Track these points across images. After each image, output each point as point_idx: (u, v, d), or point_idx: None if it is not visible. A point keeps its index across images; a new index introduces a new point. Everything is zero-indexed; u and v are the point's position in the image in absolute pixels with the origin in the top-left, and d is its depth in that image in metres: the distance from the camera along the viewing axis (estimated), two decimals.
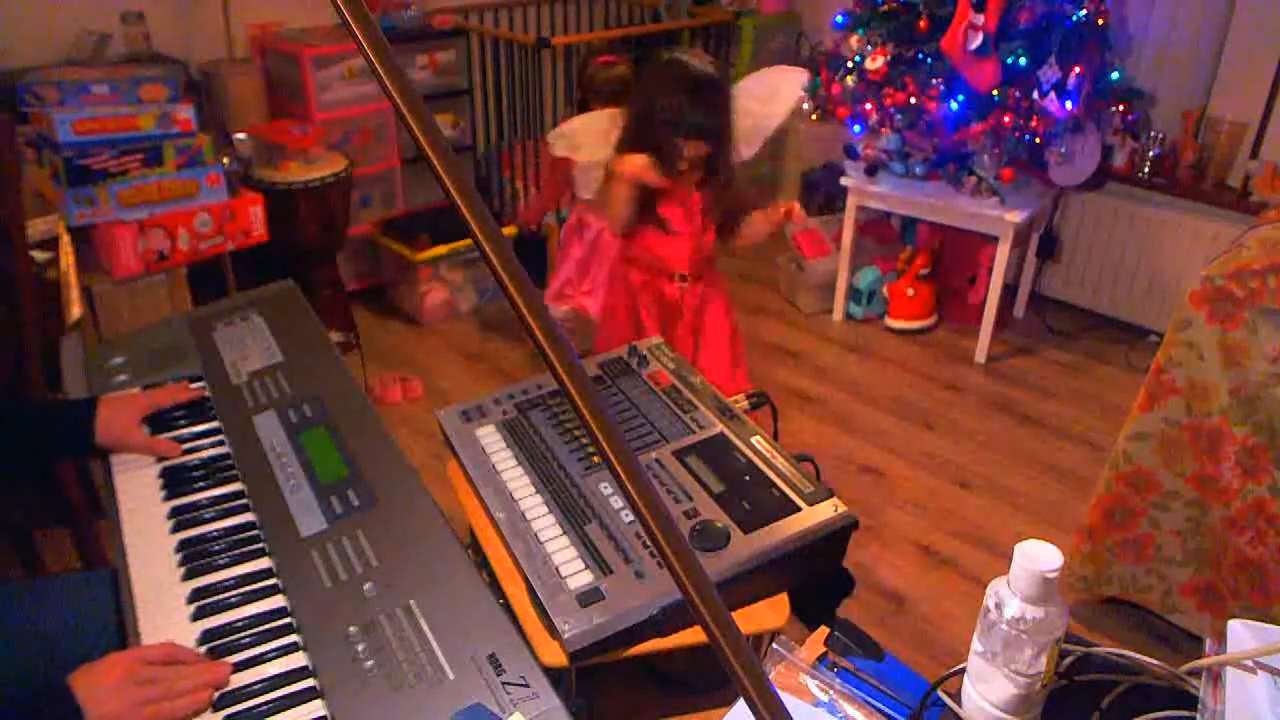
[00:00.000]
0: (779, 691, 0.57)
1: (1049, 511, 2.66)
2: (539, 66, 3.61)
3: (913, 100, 3.22)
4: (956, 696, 0.97)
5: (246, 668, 0.98)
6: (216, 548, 1.14)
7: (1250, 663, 0.88)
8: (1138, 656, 1.01)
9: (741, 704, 0.91)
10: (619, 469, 0.54)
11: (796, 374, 3.35)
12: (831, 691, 0.98)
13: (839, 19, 3.43)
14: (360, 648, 0.97)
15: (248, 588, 1.08)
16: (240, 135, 2.97)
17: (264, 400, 1.38)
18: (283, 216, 2.88)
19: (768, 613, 1.19)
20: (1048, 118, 3.11)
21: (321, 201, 3.01)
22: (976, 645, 0.92)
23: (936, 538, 2.54)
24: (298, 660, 0.98)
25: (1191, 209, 3.36)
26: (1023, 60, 3.06)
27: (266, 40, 3.36)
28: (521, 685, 0.91)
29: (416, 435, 2.87)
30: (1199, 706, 0.91)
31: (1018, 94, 3.09)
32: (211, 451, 1.31)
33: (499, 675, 0.92)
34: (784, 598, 1.21)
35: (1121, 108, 3.31)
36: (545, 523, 1.22)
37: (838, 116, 3.43)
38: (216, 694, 0.94)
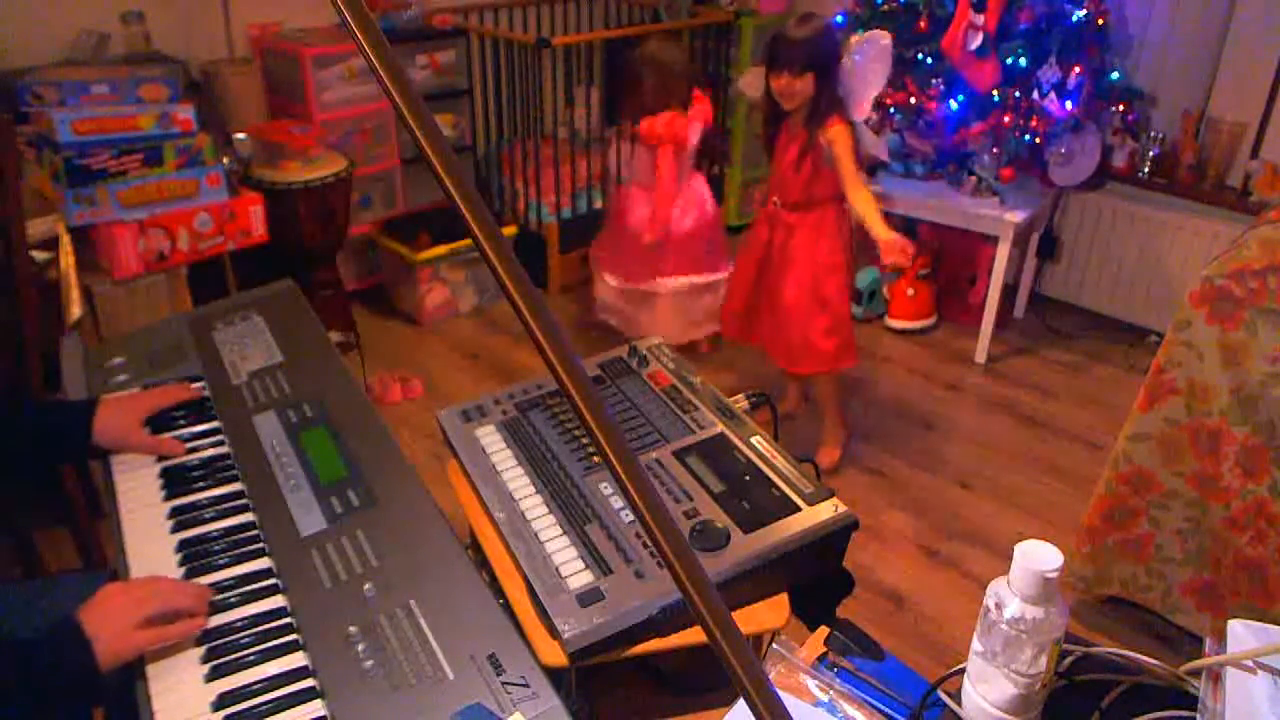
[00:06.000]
0: (779, 691, 0.57)
1: (1049, 511, 2.66)
2: (539, 66, 3.61)
3: (913, 100, 3.22)
4: (956, 696, 0.97)
5: (246, 668, 0.98)
6: (216, 548, 1.14)
7: (1250, 663, 0.88)
8: (1138, 656, 1.01)
9: (741, 704, 0.92)
10: (619, 469, 0.54)
11: None
12: (831, 691, 0.98)
13: (839, 19, 3.42)
14: (360, 648, 0.97)
15: (248, 588, 1.08)
16: (240, 135, 2.97)
17: (264, 400, 1.38)
18: (283, 216, 2.88)
19: (768, 613, 1.19)
20: (1048, 118, 3.11)
21: (321, 201, 3.01)
22: (976, 645, 0.92)
23: (936, 538, 2.55)
24: (298, 660, 0.98)
25: (1191, 209, 3.36)
26: (1023, 60, 3.06)
27: (266, 40, 3.36)
28: (521, 685, 0.91)
29: (416, 435, 2.87)
30: (1199, 706, 0.91)
31: (1018, 94, 3.09)
32: (211, 451, 1.31)
33: (499, 675, 0.92)
34: (784, 598, 1.21)
35: (1121, 108, 3.31)
36: (545, 523, 1.22)
37: None
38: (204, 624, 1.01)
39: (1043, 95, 3.08)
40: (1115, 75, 3.26)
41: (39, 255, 2.19)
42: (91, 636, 0.95)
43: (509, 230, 3.78)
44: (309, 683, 0.95)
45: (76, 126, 2.31)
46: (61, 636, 0.96)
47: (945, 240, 3.67)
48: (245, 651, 0.99)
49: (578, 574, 1.14)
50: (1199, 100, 3.33)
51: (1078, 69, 3.09)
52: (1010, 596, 0.87)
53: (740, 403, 1.49)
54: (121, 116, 2.39)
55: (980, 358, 3.44)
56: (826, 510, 1.21)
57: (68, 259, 2.24)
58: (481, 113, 3.98)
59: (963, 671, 0.96)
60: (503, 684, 0.91)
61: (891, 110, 3.29)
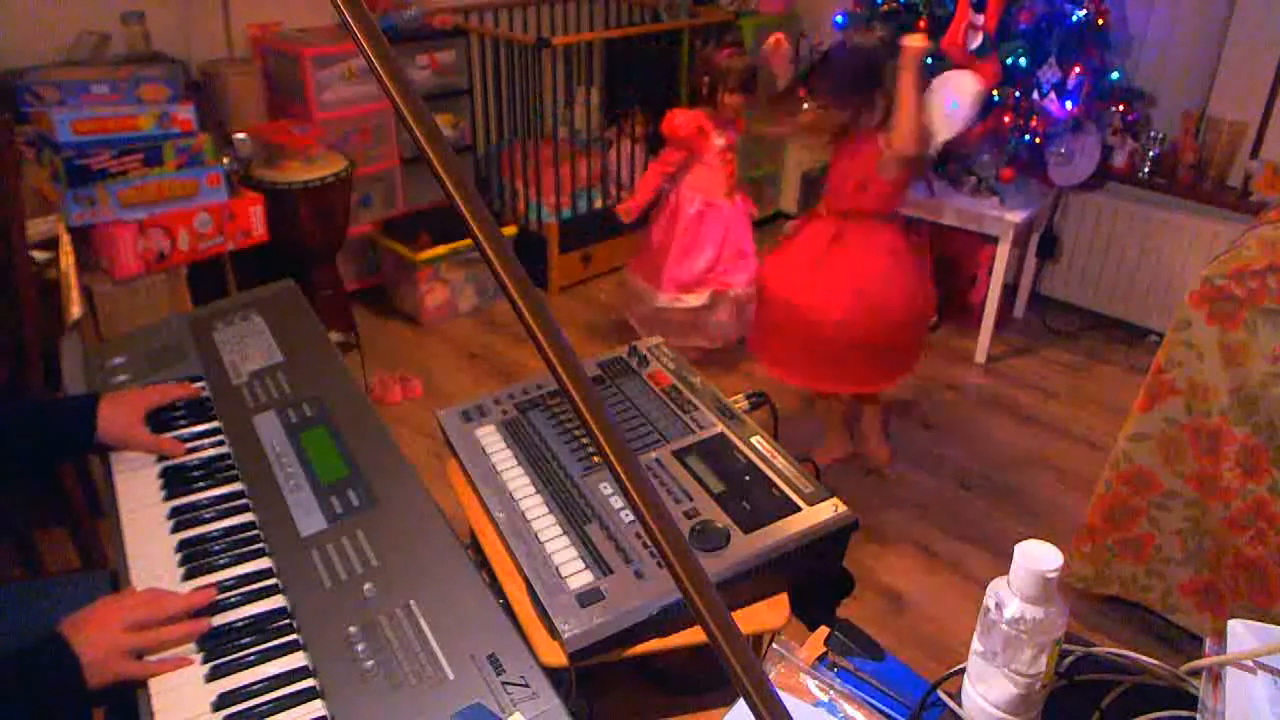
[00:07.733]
0: (779, 691, 0.57)
1: (1049, 511, 2.66)
2: (539, 66, 3.61)
3: None
4: (956, 696, 0.97)
5: (246, 668, 0.98)
6: (216, 548, 1.14)
7: (1250, 663, 0.88)
8: (1138, 656, 1.01)
9: (741, 704, 0.91)
10: (619, 469, 0.54)
11: None
12: (831, 691, 0.98)
13: (839, 19, 3.43)
14: (360, 648, 0.97)
15: (248, 588, 1.08)
16: (240, 135, 2.97)
17: (264, 400, 1.38)
18: (283, 216, 2.88)
19: (768, 613, 1.19)
20: (1048, 118, 3.11)
21: (321, 201, 3.01)
22: (976, 645, 0.92)
23: (936, 538, 2.54)
24: (298, 660, 0.98)
25: (1191, 209, 3.36)
26: (1023, 60, 3.06)
27: (266, 40, 3.36)
28: (521, 685, 0.91)
29: (416, 435, 2.87)
30: (1199, 706, 0.91)
31: (1018, 94, 3.09)
32: (211, 451, 1.31)
33: (499, 675, 0.92)
34: (784, 598, 1.21)
35: (1121, 108, 3.31)
36: (545, 523, 1.22)
37: None
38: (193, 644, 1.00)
39: (1043, 95, 3.08)
40: (1115, 75, 3.26)
41: (39, 255, 2.19)
42: (79, 654, 0.94)
43: (509, 230, 3.78)
44: (309, 683, 0.95)
45: (76, 126, 2.31)
46: (48, 653, 0.95)
47: (945, 240, 3.67)
48: (245, 652, 0.99)
49: (578, 574, 1.14)
50: (1199, 100, 3.33)
51: (1078, 69, 3.09)
52: (1010, 596, 0.87)
53: (740, 403, 1.49)
54: (121, 116, 2.39)
55: (980, 358, 3.44)
56: (826, 510, 1.21)
57: (67, 259, 2.24)
58: (481, 113, 3.98)
59: (963, 671, 0.96)
60: (503, 684, 0.91)
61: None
